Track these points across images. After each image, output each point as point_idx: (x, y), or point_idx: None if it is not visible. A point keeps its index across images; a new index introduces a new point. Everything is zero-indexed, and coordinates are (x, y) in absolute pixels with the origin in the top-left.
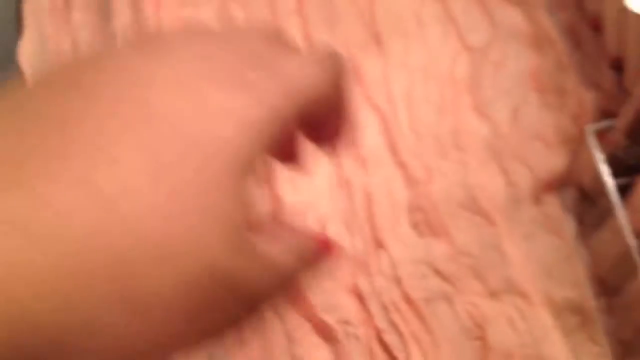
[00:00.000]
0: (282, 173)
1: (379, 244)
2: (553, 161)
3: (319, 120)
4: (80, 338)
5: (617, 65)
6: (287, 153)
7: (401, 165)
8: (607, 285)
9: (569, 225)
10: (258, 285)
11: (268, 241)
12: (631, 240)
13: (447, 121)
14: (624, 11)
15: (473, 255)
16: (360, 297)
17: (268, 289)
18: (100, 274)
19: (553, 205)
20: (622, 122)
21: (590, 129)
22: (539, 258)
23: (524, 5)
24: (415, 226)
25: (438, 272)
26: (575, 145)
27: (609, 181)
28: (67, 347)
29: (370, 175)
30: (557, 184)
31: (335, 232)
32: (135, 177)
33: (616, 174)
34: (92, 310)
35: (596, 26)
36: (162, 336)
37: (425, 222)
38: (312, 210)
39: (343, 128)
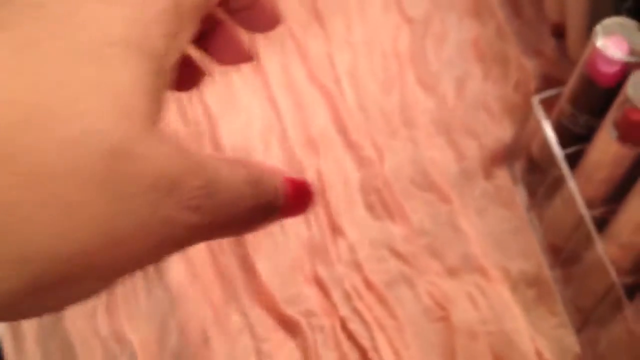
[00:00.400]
0: None
1: (336, 230)
2: (500, 132)
3: (244, 4)
4: None
5: (558, 31)
6: (226, 49)
7: (351, 145)
8: (562, 255)
9: (520, 197)
10: (184, 185)
11: (217, 159)
12: (584, 210)
13: (393, 97)
14: None
15: (429, 234)
16: (321, 286)
17: (203, 199)
18: None
19: (503, 177)
20: (567, 90)
21: (537, 99)
22: (492, 232)
23: None
24: (370, 208)
25: (396, 254)
26: (520, 114)
27: (558, 151)
28: None
29: (321, 157)
30: (505, 156)
31: (291, 220)
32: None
33: (564, 143)
34: None
35: None
36: (69, 228)
37: (380, 203)
38: None
39: (269, 7)
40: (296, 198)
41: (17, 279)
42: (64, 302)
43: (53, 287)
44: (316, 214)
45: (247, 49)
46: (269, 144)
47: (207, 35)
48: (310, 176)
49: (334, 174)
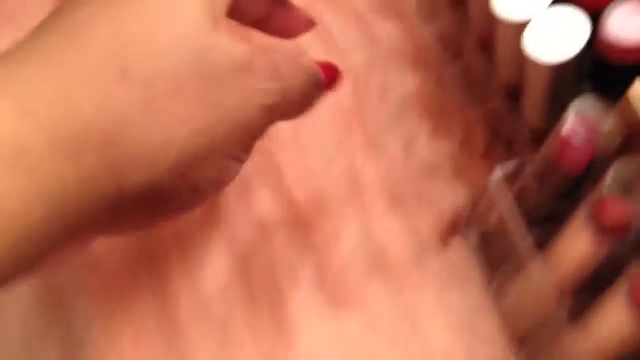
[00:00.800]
0: None
1: (288, 330)
2: (454, 197)
3: None
4: (135, 129)
5: (510, 92)
6: (289, 23)
7: (301, 224)
8: (527, 341)
9: (478, 272)
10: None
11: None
12: (553, 301)
13: (340, 162)
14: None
15: (390, 323)
16: None
17: (270, 81)
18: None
19: (459, 248)
20: (531, 170)
21: (497, 175)
22: (454, 314)
23: (400, 17)
24: (327, 299)
25: (356, 351)
26: (471, 174)
27: (522, 236)
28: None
29: (272, 241)
30: (460, 224)
31: (238, 326)
32: None
33: (527, 222)
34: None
35: (483, 44)
36: (170, 118)
37: (337, 292)
38: (211, 305)
39: None
40: (329, 76)
41: (164, 160)
42: (208, 178)
43: (194, 163)
44: (268, 312)
45: (307, 16)
46: (210, 234)
47: (270, 19)
48: (257, 267)
49: (285, 260)
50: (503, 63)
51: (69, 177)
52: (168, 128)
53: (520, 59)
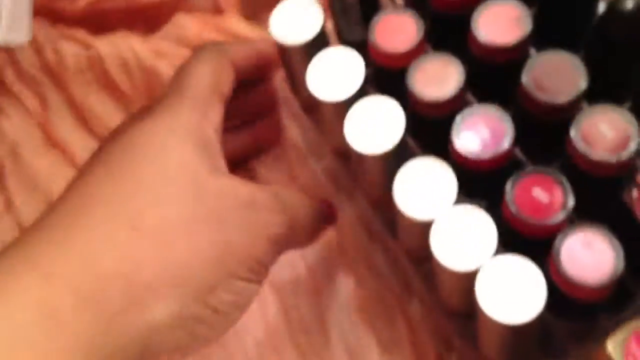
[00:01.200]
0: None
1: None
2: None
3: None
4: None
5: (459, 313)
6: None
7: None
8: None
9: None
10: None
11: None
12: None
13: None
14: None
15: None
16: None
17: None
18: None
19: None
20: None
21: None
22: None
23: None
24: None
25: None
26: None
27: None
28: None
29: None
30: None
31: None
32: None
33: None
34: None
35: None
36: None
37: None
38: None
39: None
40: (330, 212)
41: (182, 289)
42: (229, 302)
43: (211, 290)
44: None
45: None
46: None
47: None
48: None
49: None
50: (450, 301)
51: (100, 322)
52: (182, 263)
53: (474, 306)
